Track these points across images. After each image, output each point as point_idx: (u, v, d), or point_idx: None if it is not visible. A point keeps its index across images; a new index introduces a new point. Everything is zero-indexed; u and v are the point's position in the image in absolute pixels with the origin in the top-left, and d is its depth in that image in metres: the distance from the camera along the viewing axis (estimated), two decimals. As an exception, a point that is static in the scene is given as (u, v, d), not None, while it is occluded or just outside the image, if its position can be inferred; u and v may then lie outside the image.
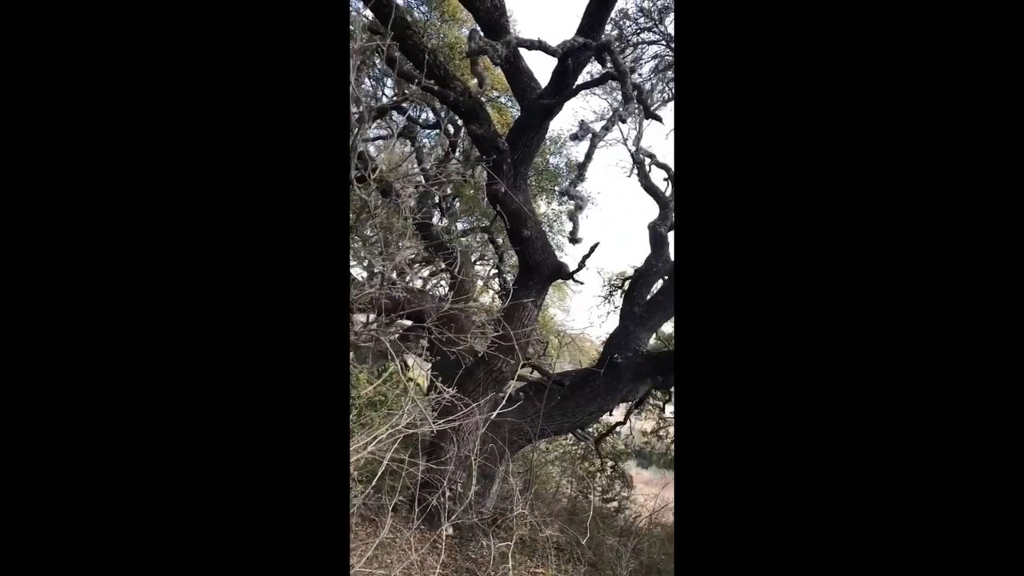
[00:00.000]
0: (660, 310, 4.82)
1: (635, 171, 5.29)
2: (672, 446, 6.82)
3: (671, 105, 5.73)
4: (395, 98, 4.49)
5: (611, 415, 5.82)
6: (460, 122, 3.47)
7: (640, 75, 4.87)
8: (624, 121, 2.81)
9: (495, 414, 2.33)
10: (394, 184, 2.26)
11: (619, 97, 3.44)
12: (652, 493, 5.87)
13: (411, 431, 2.10)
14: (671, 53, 4.73)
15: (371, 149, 5.42)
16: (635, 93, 2.98)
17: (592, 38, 3.16)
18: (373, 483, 2.21)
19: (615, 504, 5.61)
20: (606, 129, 2.94)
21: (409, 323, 4.12)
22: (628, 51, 4.70)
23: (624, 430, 6.34)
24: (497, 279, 6.52)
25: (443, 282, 5.79)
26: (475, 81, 3.35)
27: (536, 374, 4.78)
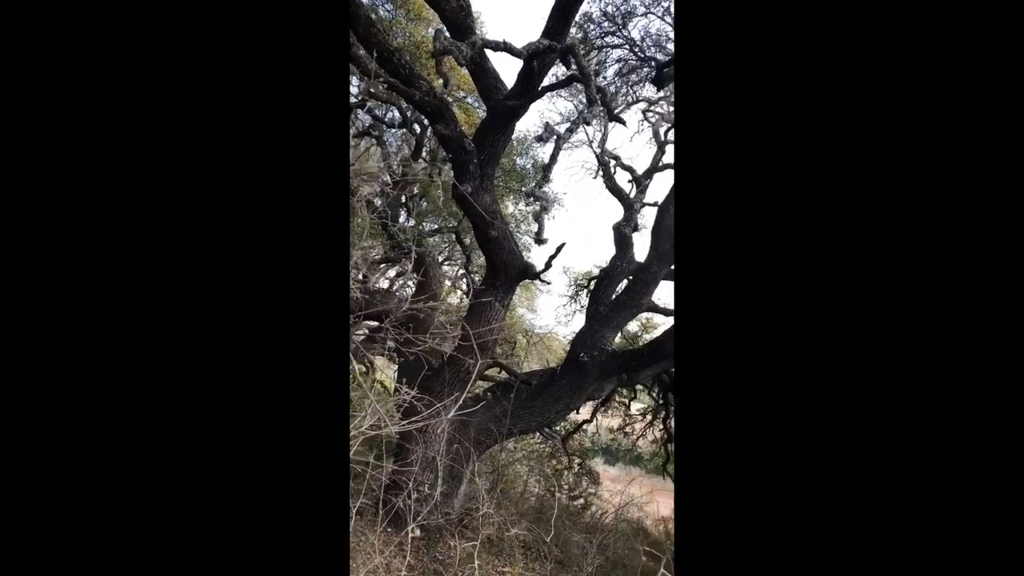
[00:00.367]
0: (624, 309, 4.90)
1: (600, 173, 5.37)
2: (638, 442, 6.95)
3: (635, 108, 5.85)
4: (359, 96, 4.44)
5: (578, 413, 5.89)
6: (426, 122, 3.46)
7: (604, 78, 4.95)
8: (588, 123, 2.85)
9: (452, 414, 2.33)
10: (353, 181, 2.24)
11: (583, 100, 3.48)
12: (618, 489, 5.97)
13: (374, 432, 2.08)
14: (634, 57, 4.82)
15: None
16: (599, 96, 3.03)
17: (557, 41, 3.19)
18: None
19: (582, 501, 5.68)
20: (570, 131, 2.98)
21: (375, 324, 4.07)
22: (593, 54, 4.76)
23: (591, 428, 6.42)
24: (464, 279, 6.51)
25: (411, 283, 5.75)
26: (440, 81, 3.34)
27: (504, 374, 4.80)
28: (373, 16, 3.64)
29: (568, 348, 5.07)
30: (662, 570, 2.09)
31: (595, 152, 5.37)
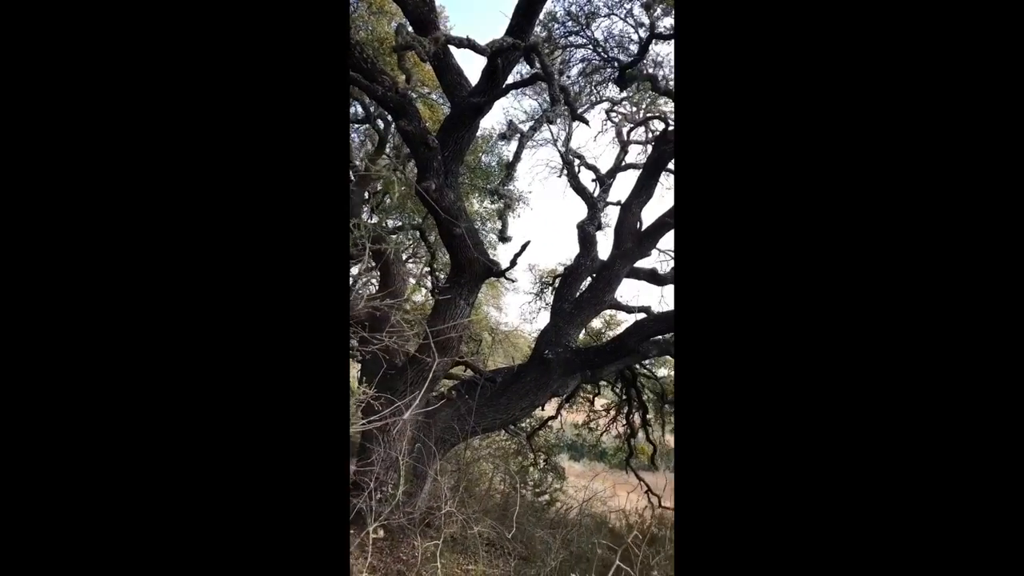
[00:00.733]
0: (588, 306, 4.97)
1: (564, 171, 5.41)
2: (602, 437, 7.05)
3: (599, 108, 5.92)
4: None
5: (543, 410, 5.94)
6: (389, 118, 3.41)
7: (569, 77, 4.99)
8: (552, 122, 2.87)
9: (409, 413, 2.32)
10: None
11: (548, 98, 3.51)
12: (583, 484, 6.05)
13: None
14: (597, 57, 4.88)
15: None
16: (562, 95, 3.05)
17: (521, 39, 3.20)
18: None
19: (547, 497, 5.73)
20: (534, 129, 2.99)
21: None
22: (557, 54, 4.80)
23: (556, 424, 6.49)
24: (429, 277, 6.46)
25: (373, 280, 5.67)
26: (403, 77, 3.30)
27: (469, 372, 4.79)
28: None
29: (533, 345, 5.11)
30: (618, 561, 2.13)
31: (559, 151, 5.41)
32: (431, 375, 2.83)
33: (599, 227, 5.25)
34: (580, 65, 5.15)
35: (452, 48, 3.38)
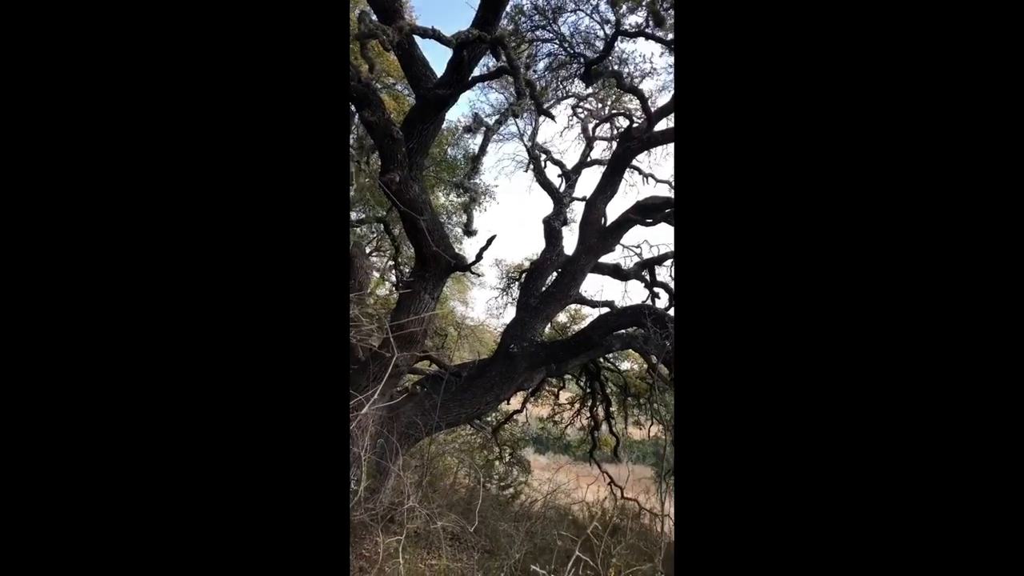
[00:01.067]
0: (554, 301, 5.00)
1: (531, 166, 5.42)
2: (566, 430, 7.13)
3: (565, 104, 5.95)
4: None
5: (508, 404, 5.96)
6: (352, 108, 3.33)
7: (535, 72, 4.99)
8: (518, 116, 2.87)
9: (367, 408, 2.29)
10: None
11: (514, 92, 3.50)
12: (547, 477, 6.11)
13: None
14: (564, 52, 4.89)
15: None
16: (528, 89, 3.05)
17: (487, 31, 3.18)
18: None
19: (512, 491, 5.77)
20: (500, 123, 2.98)
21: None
22: (523, 47, 4.79)
23: (521, 418, 6.52)
24: (394, 271, 6.37)
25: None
26: (366, 66, 3.23)
27: (434, 367, 4.76)
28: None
29: (499, 340, 5.11)
30: (577, 551, 2.17)
31: (526, 145, 5.42)
32: (390, 368, 2.79)
33: (565, 222, 5.29)
34: (546, 60, 5.16)
35: (417, 38, 3.33)
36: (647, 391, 6.24)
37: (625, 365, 6.80)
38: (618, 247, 5.40)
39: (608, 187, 5.13)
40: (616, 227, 5.13)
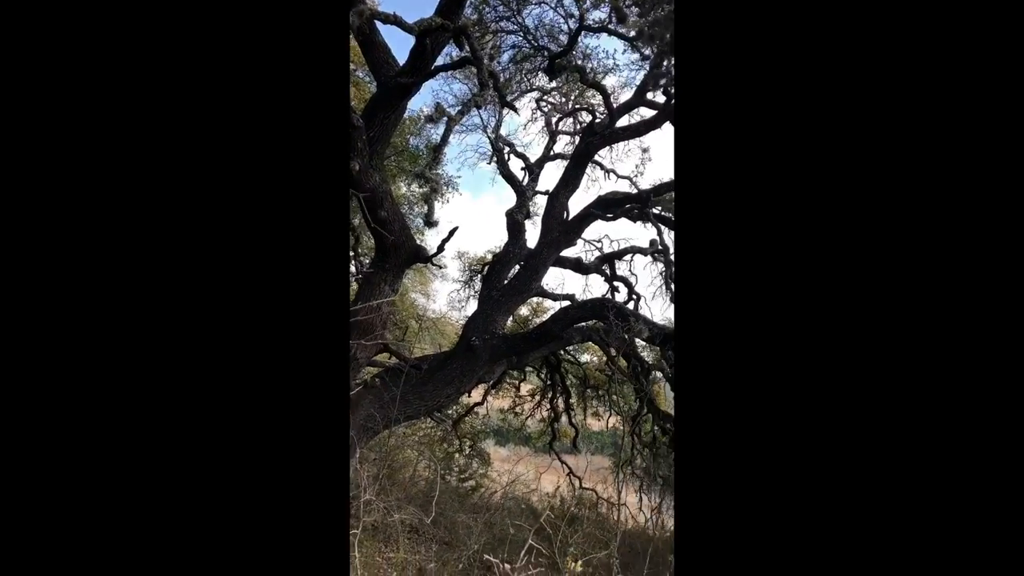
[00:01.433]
0: (516, 294, 5.02)
1: (494, 159, 5.40)
2: (527, 422, 7.19)
3: (529, 97, 5.95)
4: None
5: (469, 396, 5.95)
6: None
7: (499, 63, 4.96)
8: (480, 107, 2.85)
9: None
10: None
11: (477, 83, 3.47)
12: (507, 469, 6.16)
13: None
14: (528, 45, 4.89)
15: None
16: (491, 81, 3.03)
17: (451, 20, 3.14)
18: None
19: (472, 483, 5.78)
20: (462, 114, 2.95)
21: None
22: (487, 38, 4.75)
23: (482, 410, 6.53)
24: (353, 261, 6.25)
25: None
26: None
27: (393, 359, 4.70)
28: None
29: (460, 332, 5.09)
30: (530, 540, 2.20)
31: (489, 137, 5.39)
32: (350, 359, 2.75)
33: (528, 215, 5.30)
34: (510, 52, 5.14)
35: (379, 24, 3.26)
36: (606, 383, 6.35)
37: (585, 357, 6.90)
38: (580, 241, 5.46)
39: (570, 181, 5.17)
40: (578, 221, 5.18)
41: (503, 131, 5.71)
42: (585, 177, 5.34)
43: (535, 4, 4.73)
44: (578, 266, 5.58)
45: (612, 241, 5.75)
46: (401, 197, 6.43)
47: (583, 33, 4.44)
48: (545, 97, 5.98)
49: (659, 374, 5.29)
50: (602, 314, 4.37)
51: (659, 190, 5.25)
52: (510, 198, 5.69)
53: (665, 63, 4.31)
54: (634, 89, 5.07)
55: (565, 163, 5.40)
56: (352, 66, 5.81)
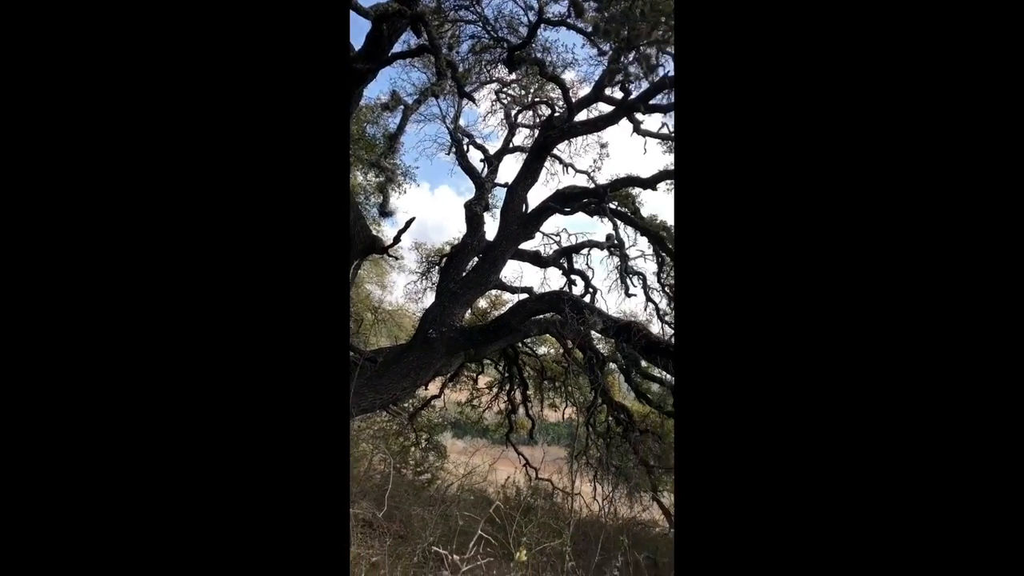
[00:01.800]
0: (474, 286, 5.01)
1: (453, 150, 5.35)
2: (484, 414, 7.22)
3: (489, 88, 5.91)
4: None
5: (426, 389, 5.92)
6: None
7: (458, 53, 4.90)
8: (437, 97, 2.81)
9: None
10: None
11: (435, 72, 3.42)
12: (464, 461, 6.16)
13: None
14: (487, 36, 4.85)
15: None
16: (449, 70, 2.99)
17: (408, 6, 3.07)
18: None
19: (428, 476, 5.76)
20: (419, 102, 2.91)
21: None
22: (446, 27, 4.68)
23: (439, 403, 6.51)
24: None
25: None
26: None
27: (350, 352, 4.60)
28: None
29: (417, 325, 5.05)
30: (479, 532, 2.22)
31: (448, 128, 5.33)
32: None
33: (487, 208, 5.29)
34: (470, 42, 5.08)
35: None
36: (563, 375, 6.44)
37: (543, 350, 6.97)
38: (538, 234, 5.50)
39: (529, 174, 5.19)
40: (536, 214, 5.21)
41: (462, 122, 5.66)
42: (544, 171, 5.37)
43: (495, -6, 4.68)
44: (536, 259, 5.62)
45: (570, 235, 5.81)
46: (356, 186, 6.29)
47: (542, 26, 4.44)
48: (504, 89, 5.96)
49: (613, 365, 5.40)
50: (558, 307, 4.42)
51: (616, 185, 5.34)
52: (469, 190, 5.64)
53: (622, 59, 4.36)
54: (593, 84, 5.12)
55: (524, 156, 5.41)
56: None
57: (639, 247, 5.82)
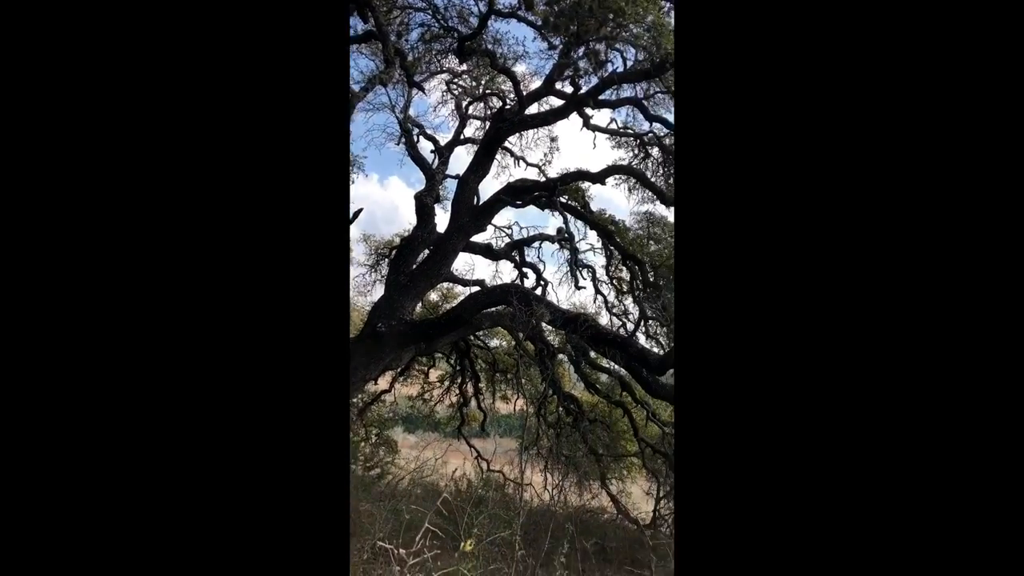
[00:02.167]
0: (424, 279, 4.95)
1: (403, 140, 5.26)
2: (435, 408, 7.17)
3: (439, 79, 5.83)
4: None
5: (376, 384, 5.82)
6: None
7: (407, 41, 4.81)
8: (385, 85, 2.75)
9: None
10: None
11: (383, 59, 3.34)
12: (416, 455, 6.11)
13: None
14: (437, 25, 4.77)
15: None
16: (397, 58, 2.93)
17: (354, -10, 2.98)
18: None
19: (378, 471, 5.69)
20: (366, 90, 2.83)
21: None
22: (395, 14, 4.57)
23: (389, 398, 6.42)
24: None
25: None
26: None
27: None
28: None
29: (366, 318, 4.94)
30: (427, 525, 2.21)
31: (397, 117, 5.23)
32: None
33: (437, 199, 5.23)
34: (419, 30, 4.99)
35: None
36: (514, 367, 6.49)
37: (495, 342, 6.99)
38: (490, 227, 5.49)
39: (480, 167, 5.16)
40: (488, 207, 5.20)
41: (412, 112, 5.56)
42: (495, 163, 5.36)
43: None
44: (488, 252, 5.61)
45: (522, 228, 5.84)
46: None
47: (493, 17, 4.42)
48: (455, 80, 5.89)
49: (563, 356, 5.49)
50: (507, 299, 4.44)
51: (566, 179, 5.40)
52: (419, 181, 5.57)
53: (572, 53, 4.40)
54: (544, 78, 5.14)
55: (475, 148, 5.38)
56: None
57: (588, 240, 5.91)
